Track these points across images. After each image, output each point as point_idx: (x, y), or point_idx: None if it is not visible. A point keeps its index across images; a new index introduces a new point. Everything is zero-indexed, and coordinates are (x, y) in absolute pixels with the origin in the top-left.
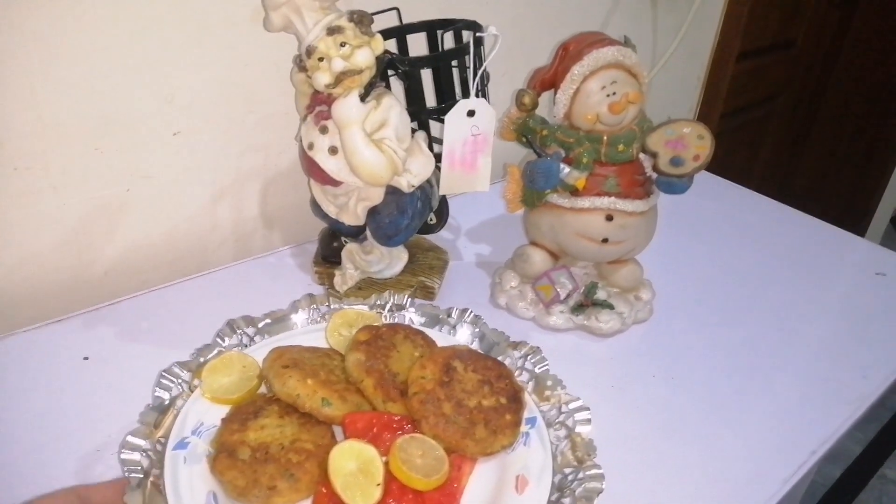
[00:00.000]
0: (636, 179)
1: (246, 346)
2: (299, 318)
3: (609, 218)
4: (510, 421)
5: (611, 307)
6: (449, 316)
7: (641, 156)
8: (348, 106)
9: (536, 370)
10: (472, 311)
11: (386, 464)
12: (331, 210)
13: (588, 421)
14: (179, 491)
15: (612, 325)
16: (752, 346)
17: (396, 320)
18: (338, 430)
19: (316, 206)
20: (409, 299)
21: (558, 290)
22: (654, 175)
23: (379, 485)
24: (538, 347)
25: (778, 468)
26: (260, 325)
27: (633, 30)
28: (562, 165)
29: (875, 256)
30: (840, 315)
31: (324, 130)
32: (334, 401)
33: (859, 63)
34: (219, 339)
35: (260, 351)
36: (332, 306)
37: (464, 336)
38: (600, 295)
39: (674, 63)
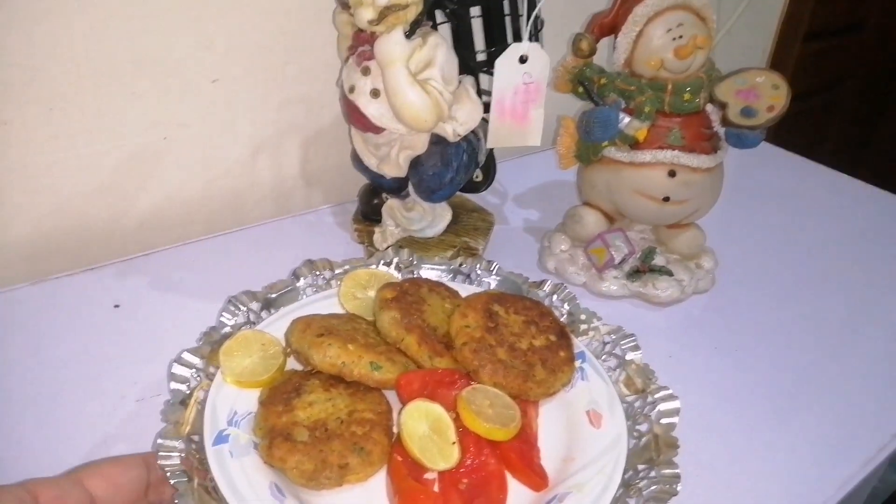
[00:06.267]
0: (702, 132)
1: (254, 322)
2: (301, 286)
3: (671, 174)
4: (565, 357)
5: (669, 274)
6: (461, 265)
7: (709, 107)
8: (392, 42)
9: (566, 307)
10: (482, 257)
11: (454, 419)
12: (372, 162)
13: (636, 347)
14: (238, 489)
15: (670, 294)
16: (822, 323)
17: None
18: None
19: (357, 160)
20: (413, 254)
21: (613, 253)
22: (722, 129)
23: (454, 443)
24: (562, 283)
25: (853, 449)
26: (264, 299)
27: None
28: (621, 115)
29: None
30: None
31: (366, 72)
32: (383, 363)
33: None
34: (224, 320)
35: (274, 325)
36: (336, 271)
37: (484, 283)
38: (658, 261)
39: (739, 35)
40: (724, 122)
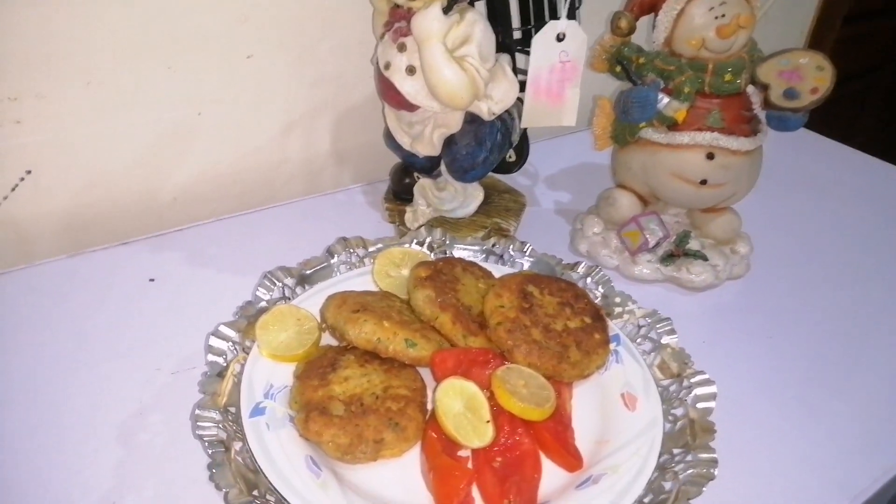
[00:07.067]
0: (743, 115)
1: (289, 298)
2: (335, 263)
3: (710, 156)
4: (600, 340)
5: (704, 259)
6: (494, 246)
7: (750, 88)
8: (430, 18)
9: (601, 289)
10: (514, 238)
11: (489, 398)
12: (405, 141)
13: (672, 331)
14: (275, 461)
15: (704, 279)
16: (858, 310)
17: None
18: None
19: (389, 138)
20: (446, 234)
21: (647, 236)
22: (763, 111)
23: (488, 421)
24: (596, 266)
25: (891, 438)
26: (299, 275)
27: None
28: (660, 95)
29: None
30: None
31: (402, 48)
32: (418, 340)
33: None
34: (259, 294)
35: (308, 301)
36: (369, 248)
37: (517, 263)
38: (693, 245)
39: (777, 16)
40: (766, 103)
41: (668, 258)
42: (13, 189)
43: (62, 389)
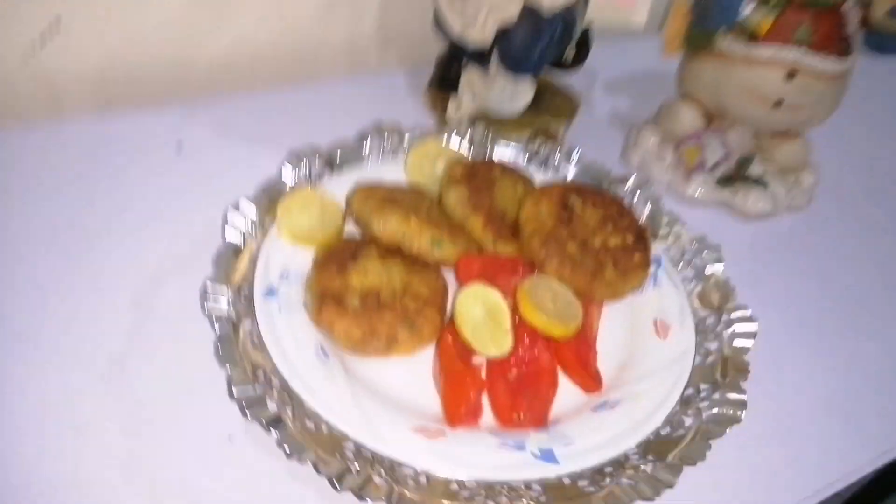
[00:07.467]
0: (836, 31)
1: (315, 180)
2: (367, 149)
3: (791, 75)
4: (639, 261)
5: (765, 185)
6: (539, 148)
7: (849, 2)
8: None
9: (649, 206)
10: (561, 142)
11: (512, 309)
12: (456, 25)
13: (719, 260)
14: (283, 344)
15: (761, 207)
16: None
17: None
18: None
19: (439, 21)
20: (488, 129)
21: (707, 155)
22: (859, 31)
23: (508, 331)
24: (648, 181)
25: None
26: (328, 157)
27: None
28: (745, 1)
29: None
30: None
31: None
32: (444, 241)
33: None
34: (285, 172)
35: (335, 186)
36: (405, 137)
37: (562, 170)
38: (755, 170)
39: None
40: (866, 22)
41: (726, 181)
42: (42, 38)
43: (80, 248)
